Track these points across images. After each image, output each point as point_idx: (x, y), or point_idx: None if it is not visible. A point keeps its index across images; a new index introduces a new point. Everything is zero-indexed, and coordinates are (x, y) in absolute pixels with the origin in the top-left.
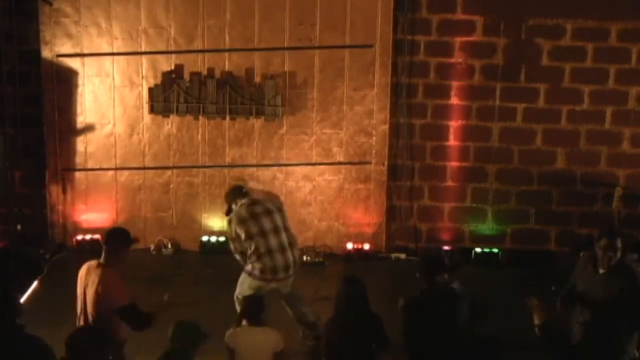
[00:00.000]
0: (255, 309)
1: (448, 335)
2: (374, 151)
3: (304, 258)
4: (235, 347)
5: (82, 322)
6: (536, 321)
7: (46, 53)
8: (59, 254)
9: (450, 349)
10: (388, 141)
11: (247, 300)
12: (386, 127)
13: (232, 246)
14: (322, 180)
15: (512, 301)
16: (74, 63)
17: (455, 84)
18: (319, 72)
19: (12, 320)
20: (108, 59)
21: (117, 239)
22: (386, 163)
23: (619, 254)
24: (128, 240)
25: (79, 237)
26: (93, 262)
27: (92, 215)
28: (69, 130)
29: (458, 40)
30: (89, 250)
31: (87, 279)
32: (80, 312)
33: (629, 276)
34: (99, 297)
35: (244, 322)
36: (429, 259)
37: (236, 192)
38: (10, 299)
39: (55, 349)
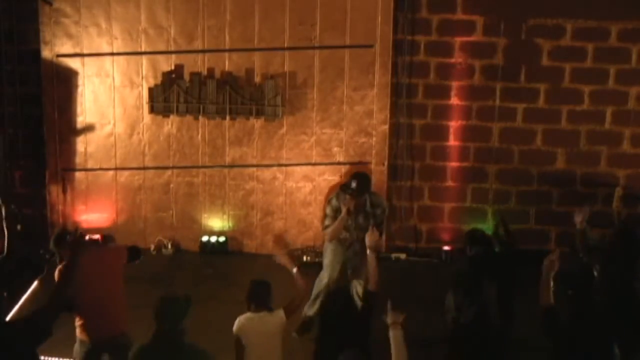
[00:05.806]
0: (264, 294)
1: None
2: (374, 151)
3: (304, 258)
4: (245, 338)
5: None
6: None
7: (46, 53)
8: None
9: None
10: (388, 141)
11: (253, 286)
12: (386, 127)
13: None
14: (322, 181)
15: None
16: (74, 63)
17: (455, 84)
18: (319, 72)
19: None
20: (108, 59)
21: (59, 242)
22: (386, 163)
23: None
24: (64, 240)
25: None
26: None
27: (92, 215)
28: (69, 130)
29: (458, 40)
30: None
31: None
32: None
33: None
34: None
35: (251, 309)
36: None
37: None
38: None
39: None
